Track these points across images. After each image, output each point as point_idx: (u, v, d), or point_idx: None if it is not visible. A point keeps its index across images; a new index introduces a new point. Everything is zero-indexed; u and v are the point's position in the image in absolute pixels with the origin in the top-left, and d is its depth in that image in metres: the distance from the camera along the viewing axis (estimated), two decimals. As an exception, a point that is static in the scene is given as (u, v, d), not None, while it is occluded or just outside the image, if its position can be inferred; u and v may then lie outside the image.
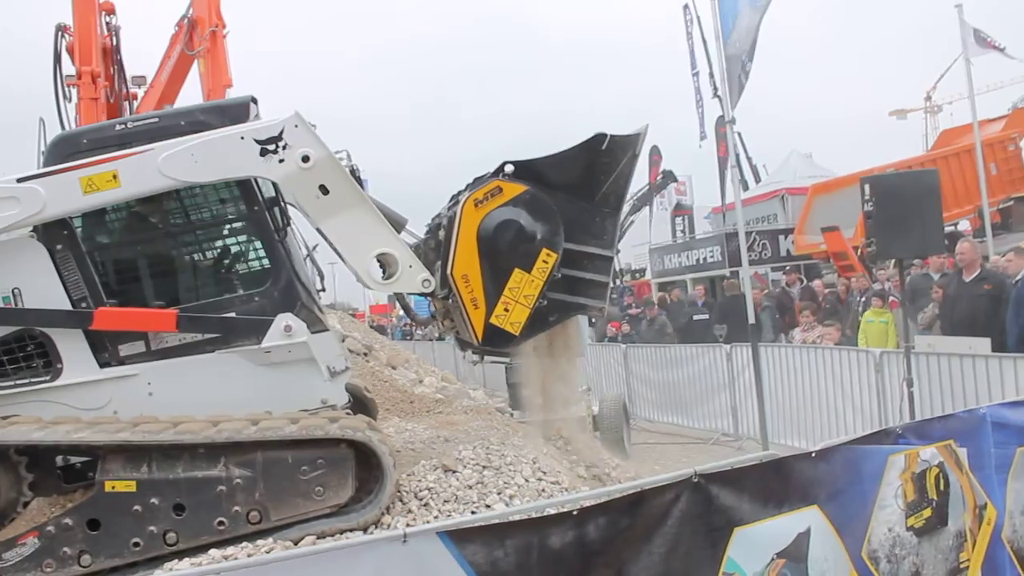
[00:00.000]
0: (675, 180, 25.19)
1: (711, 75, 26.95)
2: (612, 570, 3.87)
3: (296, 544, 5.27)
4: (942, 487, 5.00)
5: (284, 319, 5.84)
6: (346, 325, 16.19)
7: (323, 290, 6.76)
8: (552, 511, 4.00)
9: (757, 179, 27.39)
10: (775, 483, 4.35)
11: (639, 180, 26.06)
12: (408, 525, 5.36)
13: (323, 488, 5.41)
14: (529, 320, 5.96)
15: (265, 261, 6.13)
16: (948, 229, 19.11)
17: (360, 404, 7.60)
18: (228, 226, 6.21)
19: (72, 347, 5.79)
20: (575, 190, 6.08)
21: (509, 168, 6.00)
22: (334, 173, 5.81)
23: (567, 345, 6.50)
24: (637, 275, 25.70)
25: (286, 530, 5.37)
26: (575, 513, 3.78)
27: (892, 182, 7.80)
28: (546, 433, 6.75)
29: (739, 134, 28.15)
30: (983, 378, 7.83)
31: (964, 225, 19.22)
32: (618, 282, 25.01)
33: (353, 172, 7.25)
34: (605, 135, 5.92)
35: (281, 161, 5.69)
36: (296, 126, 5.74)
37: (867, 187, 7.77)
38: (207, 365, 5.88)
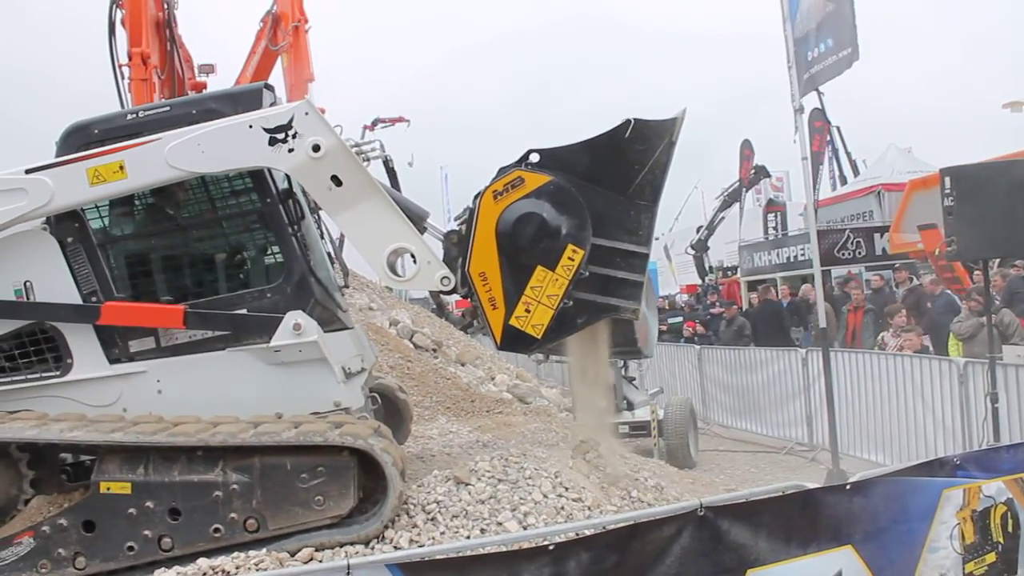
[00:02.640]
0: (768, 175, 24.11)
1: (809, 66, 25.84)
2: (596, 614, 3.42)
3: (293, 556, 5.00)
4: (1011, 528, 4.35)
5: (294, 317, 5.54)
6: (419, 320, 15.97)
7: (346, 286, 6.44)
8: (561, 538, 3.58)
9: (856, 174, 26.00)
10: (801, 519, 3.81)
11: (730, 176, 25.11)
12: (412, 541, 5.03)
13: (323, 498, 5.10)
14: (553, 322, 5.49)
15: (278, 256, 5.84)
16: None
17: (391, 406, 7.32)
18: (240, 219, 5.94)
19: (82, 342, 5.64)
20: (606, 181, 5.56)
21: (534, 157, 5.53)
22: (347, 163, 5.47)
23: (597, 348, 5.99)
24: (729, 273, 24.72)
25: (284, 540, 5.08)
26: (551, 548, 3.34)
27: (976, 174, 6.98)
28: (579, 442, 6.26)
29: (838, 128, 26.83)
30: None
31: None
32: (705, 280, 24.17)
33: (386, 163, 6.94)
34: (630, 121, 5.39)
35: (291, 151, 5.39)
36: (307, 114, 5.43)
37: (947, 179, 6.99)
38: (217, 363, 5.64)
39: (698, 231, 24.57)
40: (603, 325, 5.93)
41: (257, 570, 4.73)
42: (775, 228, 23.55)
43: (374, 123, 29.14)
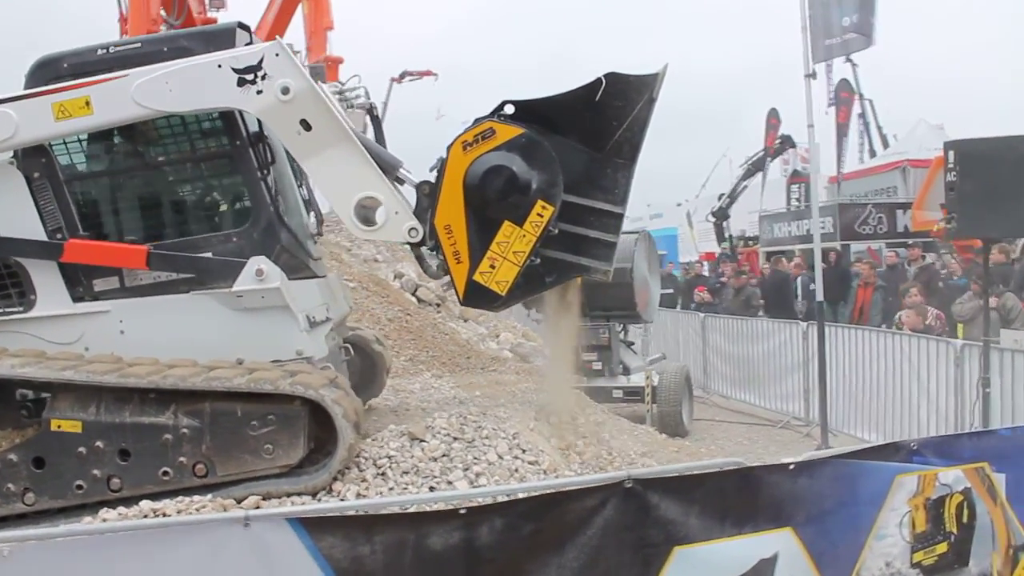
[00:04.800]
0: (793, 145, 23.49)
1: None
2: (508, 582, 3.31)
3: (239, 503, 4.94)
4: (965, 519, 4.16)
5: (257, 262, 5.45)
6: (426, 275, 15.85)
7: (319, 234, 6.32)
8: (504, 498, 3.48)
9: (886, 147, 25.38)
10: (737, 497, 3.65)
11: (756, 144, 24.50)
12: (359, 495, 4.96)
13: (273, 446, 5.03)
14: (519, 279, 5.34)
15: (246, 200, 5.73)
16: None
17: (366, 358, 7.24)
18: (208, 161, 5.82)
19: (46, 279, 5.59)
20: (583, 137, 5.37)
21: (509, 108, 5.34)
22: (317, 107, 5.32)
23: (568, 309, 5.84)
24: (750, 243, 24.31)
25: (232, 487, 5.04)
26: (463, 512, 3.22)
27: (981, 149, 6.68)
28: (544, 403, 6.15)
29: (870, 101, 26.17)
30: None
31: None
32: (723, 246, 23.78)
33: (370, 111, 6.79)
34: (604, 78, 5.17)
35: (260, 92, 5.24)
36: (277, 55, 5.27)
37: (951, 154, 6.70)
38: (180, 306, 5.57)
39: (719, 199, 24.12)
40: (575, 286, 5.78)
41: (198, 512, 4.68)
42: (798, 199, 23.06)
43: (402, 76, 28.79)
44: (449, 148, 5.30)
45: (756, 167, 23.41)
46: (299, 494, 5.01)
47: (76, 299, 5.62)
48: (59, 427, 5.04)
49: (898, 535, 3.97)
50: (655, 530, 3.47)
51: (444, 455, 5.16)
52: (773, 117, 24.31)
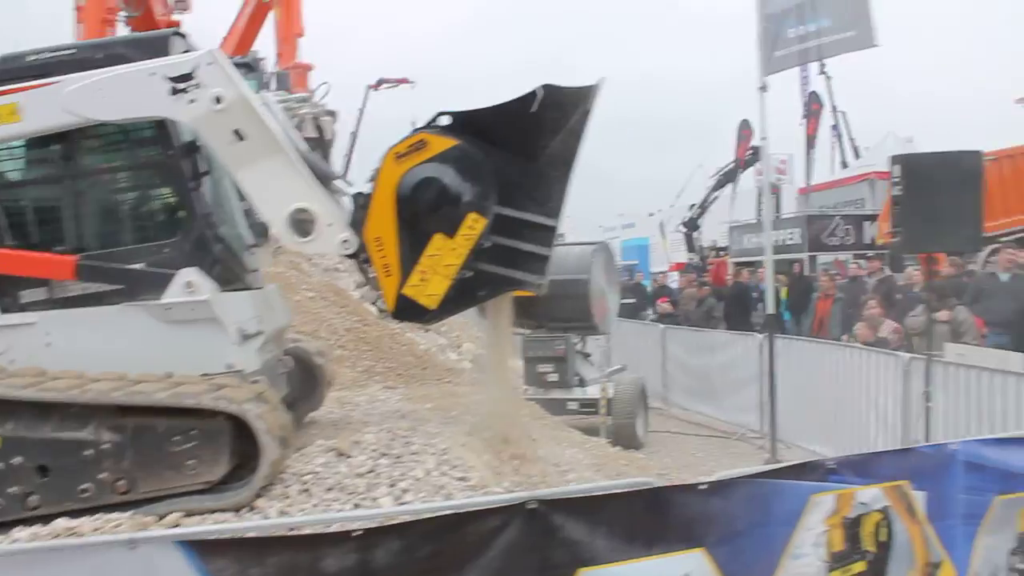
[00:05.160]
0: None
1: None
2: (406, 605, 3.25)
3: (160, 520, 4.85)
4: (883, 538, 4.14)
5: (186, 274, 5.36)
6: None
7: (256, 245, 6.24)
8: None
9: (858, 159, 25.58)
10: (646, 518, 3.60)
11: (727, 156, 24.63)
12: (282, 513, 4.88)
13: (196, 462, 4.95)
14: (450, 293, 5.29)
15: (178, 211, 5.65)
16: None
17: (307, 371, 7.15)
18: (140, 171, 5.75)
19: None
20: (518, 149, 5.34)
21: (444, 119, 5.30)
22: (250, 117, 5.26)
23: (501, 323, 5.80)
24: (721, 253, 24.42)
25: (154, 504, 4.95)
26: (356, 535, 3.16)
27: (926, 163, 6.72)
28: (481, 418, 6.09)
29: (843, 113, 26.38)
30: (1012, 398, 6.75)
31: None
32: (694, 258, 23.85)
33: (315, 120, 6.72)
34: (538, 91, 5.14)
35: (192, 101, 5.18)
36: (210, 64, 5.21)
37: (897, 167, 6.73)
38: (109, 318, 5.47)
39: (690, 209, 24.21)
40: (508, 300, 5.74)
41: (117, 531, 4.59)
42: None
43: (378, 83, 28.72)
44: (383, 159, 5.25)
45: (727, 178, 23.55)
46: (222, 511, 4.93)
47: (2, 310, 5.51)
48: (-23, 442, 4.94)
49: (814, 555, 3.94)
50: (559, 552, 3.42)
51: (370, 471, 5.10)
52: (745, 128, 24.46)
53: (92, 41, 5.57)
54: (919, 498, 4.20)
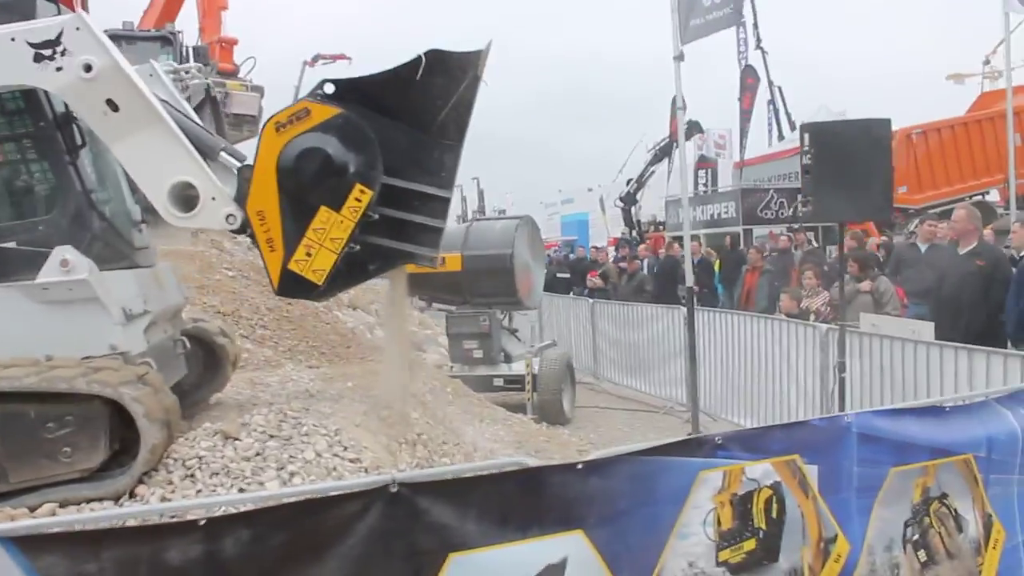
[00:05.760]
0: (700, 131, 23.65)
1: (755, 25, 25.34)
2: (261, 597, 3.06)
3: (32, 512, 4.60)
4: (775, 514, 4.04)
5: (61, 252, 5.06)
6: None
7: (144, 222, 5.95)
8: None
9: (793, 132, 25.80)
10: (520, 500, 3.43)
11: (662, 131, 24.59)
12: (164, 499, 4.66)
13: (72, 449, 4.70)
14: (338, 268, 5.08)
15: (52, 186, 5.34)
16: (976, 198, 17.58)
17: (209, 351, 6.89)
18: (10, 143, 5.40)
19: None
20: (407, 117, 5.12)
21: (328, 87, 5.05)
22: (124, 86, 4.95)
23: (394, 300, 5.61)
24: (660, 227, 24.46)
25: (27, 495, 4.68)
26: (202, 523, 2.96)
27: (835, 131, 6.65)
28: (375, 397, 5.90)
29: (779, 88, 26.53)
30: (923, 368, 6.76)
31: (995, 196, 17.59)
32: (632, 232, 23.86)
33: (208, 90, 6.42)
34: (422, 57, 4.92)
35: (59, 69, 4.86)
36: (78, 28, 4.88)
37: (806, 136, 6.66)
38: None
39: (628, 184, 24.18)
40: (403, 274, 5.55)
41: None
42: (705, 185, 23.26)
43: (314, 59, 28.16)
44: (262, 130, 5.01)
45: (663, 153, 23.51)
46: (100, 499, 4.70)
47: None
48: None
49: (702, 533, 3.84)
50: (426, 536, 3.25)
51: (258, 454, 4.89)
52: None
53: (-46, 4, 5.16)
54: (811, 472, 4.13)
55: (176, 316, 6.40)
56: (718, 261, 15.73)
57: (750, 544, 4.00)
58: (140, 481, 4.77)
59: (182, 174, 5.09)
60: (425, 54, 4.96)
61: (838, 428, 4.23)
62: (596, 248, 21.16)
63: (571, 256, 20.79)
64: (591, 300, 14.17)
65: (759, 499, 4.01)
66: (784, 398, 8.76)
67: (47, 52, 4.84)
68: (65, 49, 4.84)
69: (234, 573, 2.99)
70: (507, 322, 11.83)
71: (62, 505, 4.67)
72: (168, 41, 15.42)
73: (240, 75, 17.90)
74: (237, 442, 4.95)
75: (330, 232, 4.98)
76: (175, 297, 6.27)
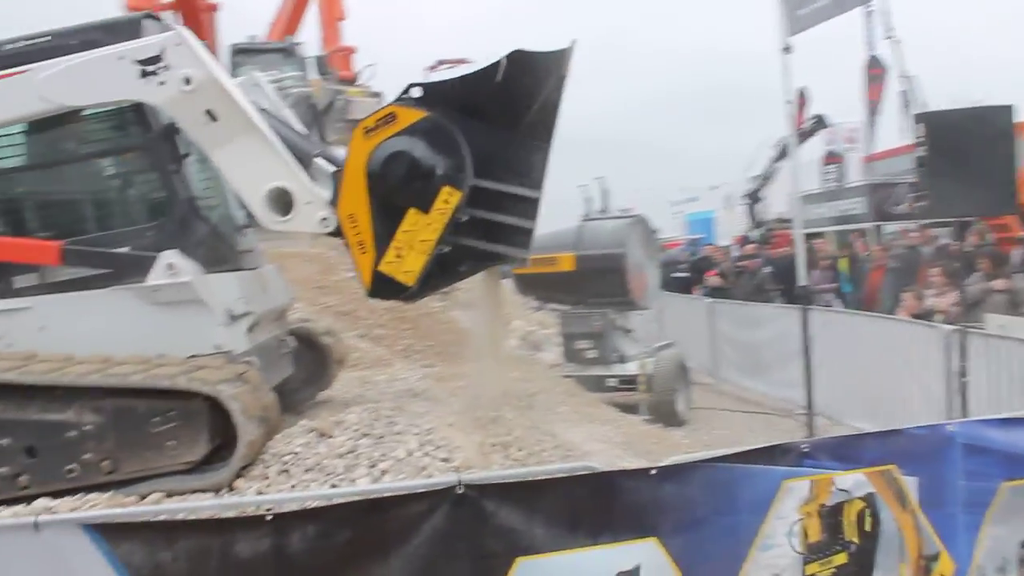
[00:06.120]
0: (825, 125, 22.63)
1: (884, 13, 24.00)
2: (327, 592, 3.12)
3: (142, 500, 4.86)
4: (868, 527, 3.84)
5: (168, 256, 5.34)
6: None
7: (248, 226, 6.19)
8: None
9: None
10: (590, 505, 3.39)
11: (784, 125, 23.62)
12: (259, 492, 4.83)
13: (176, 443, 4.96)
14: (429, 269, 5.13)
15: (160, 194, 5.62)
16: None
17: (315, 350, 7.11)
18: (121, 155, 5.76)
19: None
20: (495, 119, 5.13)
21: (415, 91, 5.13)
22: (221, 97, 5.19)
23: (487, 300, 5.63)
24: (786, 225, 23.54)
25: (137, 484, 4.96)
26: (270, 518, 3.05)
27: (953, 121, 6.22)
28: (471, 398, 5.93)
29: (911, 78, 25.08)
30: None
31: None
32: (756, 232, 23.08)
33: (308, 98, 6.64)
34: (509, 55, 4.90)
35: (162, 83, 5.14)
36: (178, 45, 5.16)
37: (921, 127, 6.27)
38: (99, 301, 5.49)
39: (752, 181, 23.44)
40: (497, 274, 5.57)
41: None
42: (834, 180, 22.26)
43: (437, 64, 28.62)
44: (352, 135, 5.12)
45: (788, 148, 22.61)
46: (203, 491, 4.92)
47: None
48: (-31, 424, 5.01)
49: (787, 545, 3.67)
50: (493, 539, 3.25)
51: (350, 452, 5.00)
52: (801, 97, 23.30)
53: (67, 28, 5.53)
54: (910, 484, 3.88)
55: (281, 316, 6.64)
56: (845, 259, 15.02)
57: (840, 558, 3.80)
58: (239, 475, 4.96)
59: (277, 179, 5.27)
60: (508, 55, 4.95)
61: (940, 438, 3.97)
62: (715, 247, 20.58)
63: (694, 255, 20.31)
64: (709, 299, 13.84)
65: (850, 511, 3.81)
66: (907, 401, 8.29)
67: (151, 68, 5.12)
68: (167, 64, 5.12)
69: (300, 567, 3.08)
70: (622, 322, 11.68)
71: (169, 495, 4.91)
72: (290, 52, 16.08)
73: (359, 82, 18.43)
74: (331, 439, 5.08)
75: (419, 234, 5.05)
76: (280, 298, 6.49)
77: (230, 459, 4.99)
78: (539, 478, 3.41)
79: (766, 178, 22.95)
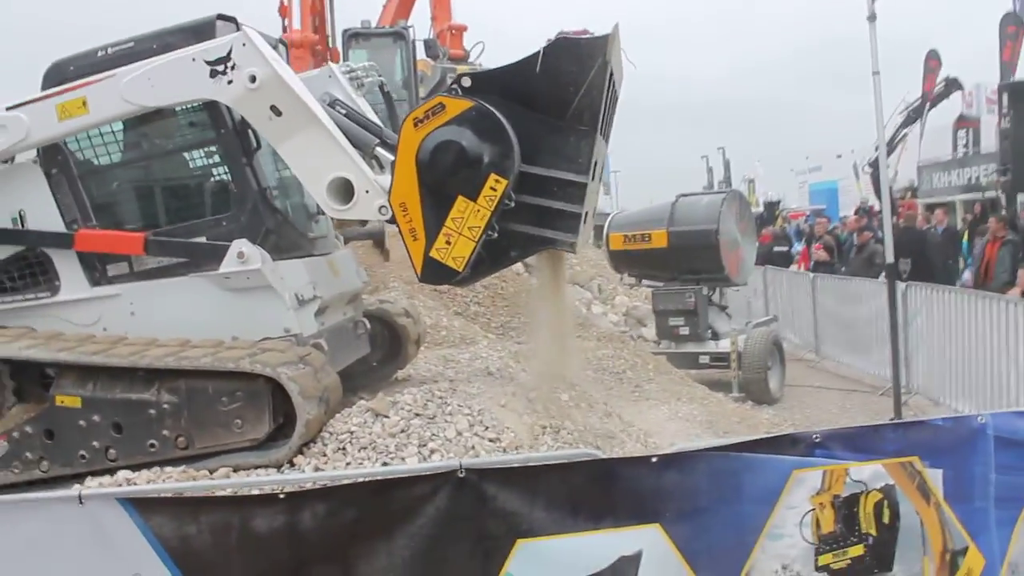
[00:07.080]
0: (960, 88, 21.31)
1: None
2: (337, 566, 3.37)
3: (212, 474, 5.27)
4: (886, 519, 3.78)
5: (238, 245, 5.71)
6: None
7: (321, 213, 6.51)
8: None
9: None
10: (591, 491, 3.51)
11: (915, 90, 22.40)
12: (317, 469, 5.16)
13: (242, 421, 5.34)
14: (478, 254, 5.30)
15: (233, 186, 6.01)
16: None
17: (391, 331, 7.43)
18: (198, 150, 6.17)
19: (68, 266, 6.10)
20: (542, 105, 5.24)
21: (465, 82, 5.29)
22: (284, 93, 5.49)
23: (553, 283, 5.77)
24: (910, 194, 22.42)
25: (209, 459, 5.38)
26: (282, 497, 3.31)
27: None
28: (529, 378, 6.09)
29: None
30: None
31: None
32: (867, 201, 22.10)
33: (382, 87, 6.90)
34: (543, 47, 4.99)
35: (230, 82, 5.48)
36: (244, 45, 5.48)
37: (1005, 96, 5.95)
38: (180, 288, 5.94)
39: (875, 149, 22.39)
40: (558, 257, 5.71)
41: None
42: (966, 146, 21.02)
43: (558, 36, 28.54)
44: (402, 125, 5.32)
45: (916, 114, 21.52)
46: (265, 467, 5.29)
47: (93, 284, 6.10)
48: (62, 403, 5.55)
49: (798, 535, 3.67)
50: (494, 521, 3.41)
51: (403, 431, 5.25)
52: (933, 59, 22.04)
53: (147, 33, 5.95)
54: (934, 477, 3.79)
55: (355, 299, 6.97)
56: (966, 232, 14.26)
57: (856, 550, 3.77)
58: (299, 452, 5.29)
59: (338, 170, 5.54)
60: (550, 43, 5.05)
61: (969, 430, 3.86)
62: (820, 219, 19.90)
63: (806, 227, 19.69)
64: (812, 274, 13.45)
65: (867, 503, 3.76)
66: (1003, 383, 7.90)
67: (220, 68, 5.47)
68: (234, 64, 5.45)
69: (311, 543, 3.34)
70: (718, 298, 11.56)
71: (235, 470, 5.31)
72: (401, 36, 16.50)
73: (470, 60, 18.69)
74: (385, 419, 5.34)
75: (468, 221, 5.22)
76: (353, 282, 6.82)
77: (291, 437, 5.34)
78: (537, 463, 3.53)
79: (892, 145, 21.90)
